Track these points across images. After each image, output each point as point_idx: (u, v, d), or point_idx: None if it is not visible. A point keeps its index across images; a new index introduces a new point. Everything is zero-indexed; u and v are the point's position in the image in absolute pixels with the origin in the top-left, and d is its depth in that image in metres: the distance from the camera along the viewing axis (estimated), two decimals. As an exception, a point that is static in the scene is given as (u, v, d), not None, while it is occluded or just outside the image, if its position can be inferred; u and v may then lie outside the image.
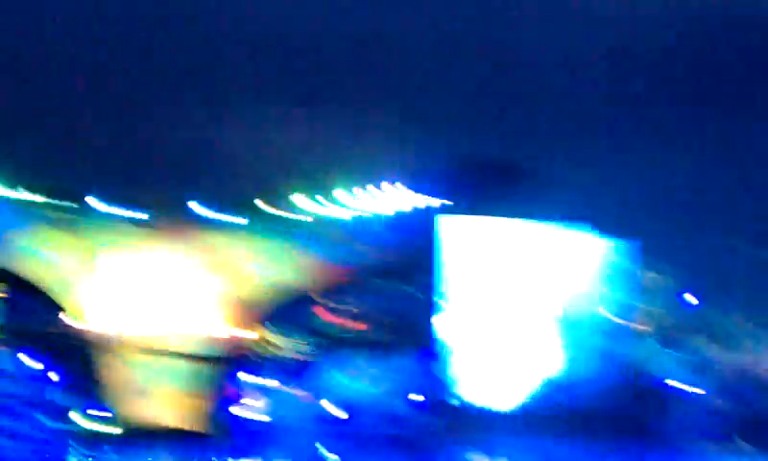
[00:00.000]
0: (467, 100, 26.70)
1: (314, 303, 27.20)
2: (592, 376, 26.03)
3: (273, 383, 25.19)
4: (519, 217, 26.63)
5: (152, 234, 26.01)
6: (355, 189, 26.45)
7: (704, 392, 26.23)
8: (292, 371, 25.37)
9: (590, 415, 25.66)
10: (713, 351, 26.98)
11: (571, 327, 26.44)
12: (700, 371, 26.60)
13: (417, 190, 26.46)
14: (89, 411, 24.08)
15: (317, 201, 26.44)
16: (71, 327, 24.92)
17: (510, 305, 26.37)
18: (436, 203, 26.12)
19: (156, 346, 24.75)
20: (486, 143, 26.60)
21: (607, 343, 26.70)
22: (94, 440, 23.53)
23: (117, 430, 24.04)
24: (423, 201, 26.41)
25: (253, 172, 24.73)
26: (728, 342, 27.11)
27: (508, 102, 27.15)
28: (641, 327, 27.34)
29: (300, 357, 25.63)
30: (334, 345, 26.13)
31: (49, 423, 23.70)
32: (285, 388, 25.18)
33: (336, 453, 24.31)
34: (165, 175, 24.78)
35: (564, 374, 26.24)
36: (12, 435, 23.23)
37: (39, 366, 24.21)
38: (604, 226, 27.04)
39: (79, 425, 23.83)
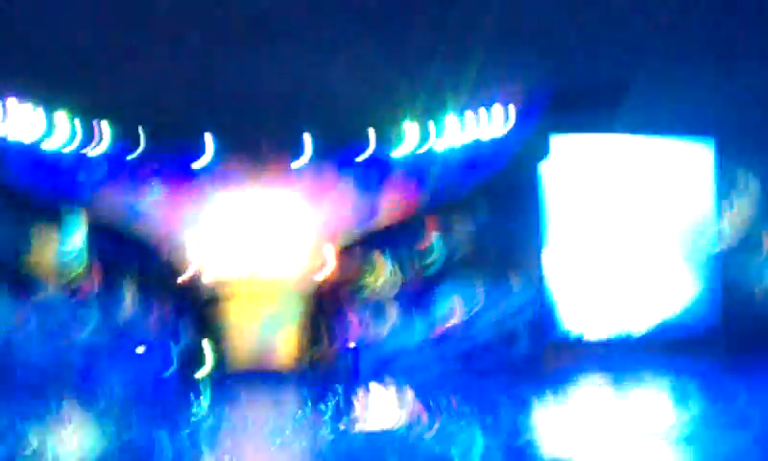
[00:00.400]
0: (568, 20, 25.73)
1: (420, 234, 27.00)
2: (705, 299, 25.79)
3: (379, 317, 25.25)
4: (628, 132, 25.98)
5: (258, 176, 26.16)
6: (463, 116, 25.92)
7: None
8: (396, 303, 25.36)
9: (708, 339, 25.41)
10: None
11: (688, 249, 25.96)
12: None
13: (525, 114, 25.80)
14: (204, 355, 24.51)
15: (425, 131, 26.03)
16: (179, 274, 25.29)
17: (622, 226, 25.80)
18: (543, 125, 25.47)
19: (264, 289, 25.03)
20: (590, 62, 25.84)
21: (721, 264, 26.22)
22: (207, 382, 23.91)
23: (228, 372, 24.45)
24: (532, 124, 25.71)
25: (361, 108, 24.70)
26: None
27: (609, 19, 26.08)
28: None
29: (405, 289, 25.58)
30: (440, 275, 25.95)
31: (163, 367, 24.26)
32: (392, 320, 25.21)
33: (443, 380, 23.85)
34: (272, 115, 24.85)
35: (676, 299, 25.81)
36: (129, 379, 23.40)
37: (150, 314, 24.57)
38: (721, 141, 26.37)
39: (192, 370, 24.31)
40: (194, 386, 23.43)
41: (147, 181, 25.92)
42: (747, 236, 27.43)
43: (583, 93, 25.27)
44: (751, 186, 27.64)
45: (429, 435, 14.54)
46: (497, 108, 25.81)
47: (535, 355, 24.77)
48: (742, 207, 27.55)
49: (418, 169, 26.31)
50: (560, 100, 25.03)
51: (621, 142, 26.21)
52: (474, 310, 25.30)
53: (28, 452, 14.79)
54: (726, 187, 27.50)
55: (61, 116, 24.78)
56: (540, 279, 25.48)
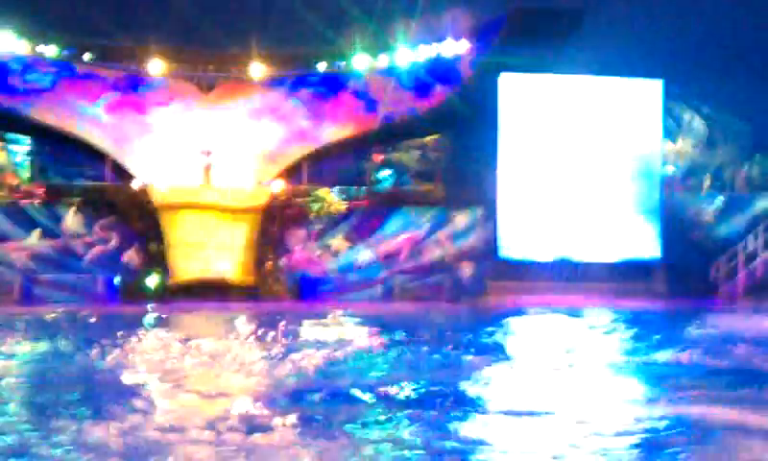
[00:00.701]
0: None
1: (368, 156, 27.43)
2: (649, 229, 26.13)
3: (325, 236, 25.40)
4: (576, 71, 26.21)
5: (208, 91, 26.14)
6: (414, 46, 26.01)
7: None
8: (344, 224, 25.47)
9: (647, 268, 25.98)
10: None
11: (633, 186, 26.16)
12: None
13: (475, 45, 25.93)
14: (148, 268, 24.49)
15: (375, 58, 26.15)
16: (126, 184, 25.15)
17: (567, 160, 26.09)
18: (493, 57, 25.54)
19: (211, 201, 24.91)
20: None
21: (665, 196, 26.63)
22: (154, 295, 23.93)
23: (174, 284, 24.43)
24: (481, 55, 25.88)
25: (313, 31, 24.50)
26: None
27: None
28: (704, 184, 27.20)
29: (355, 209, 25.67)
30: (387, 199, 26.27)
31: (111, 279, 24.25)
32: (338, 241, 25.37)
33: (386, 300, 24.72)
34: (224, 32, 24.56)
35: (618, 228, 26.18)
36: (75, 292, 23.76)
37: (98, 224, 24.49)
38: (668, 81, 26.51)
39: (141, 282, 24.29)
40: (142, 297, 23.51)
41: (96, 89, 25.70)
42: (689, 174, 28.09)
43: (537, 25, 25.41)
44: (695, 126, 28.22)
45: (368, 353, 14.81)
46: (451, 39, 25.99)
47: (478, 278, 25.18)
48: (686, 147, 28.15)
49: (371, 87, 26.41)
50: (513, 26, 25.17)
51: (571, 82, 26.46)
52: (422, 231, 25.59)
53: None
54: (671, 127, 28.04)
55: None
56: (490, 203, 25.76)
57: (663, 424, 9.54)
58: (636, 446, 8.72)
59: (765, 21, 29.54)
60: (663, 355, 14.41)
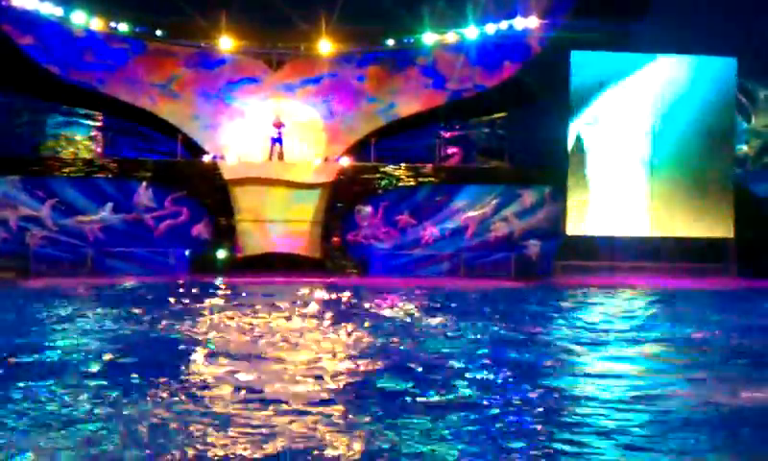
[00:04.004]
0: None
1: (436, 132, 27.45)
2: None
3: (392, 212, 25.42)
4: (648, 49, 25.91)
5: (277, 67, 26.29)
6: (483, 22, 25.86)
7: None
8: (411, 201, 25.47)
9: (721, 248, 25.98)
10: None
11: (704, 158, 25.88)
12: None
13: (546, 21, 25.75)
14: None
15: (444, 34, 26.02)
16: (196, 160, 25.55)
17: (640, 139, 25.90)
18: (563, 33, 25.34)
19: (279, 176, 25.18)
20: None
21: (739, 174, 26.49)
22: (223, 268, 24.36)
23: (242, 258, 24.91)
24: (552, 32, 25.67)
25: (381, 7, 24.59)
26: None
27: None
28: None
29: (420, 187, 25.57)
30: (454, 176, 26.07)
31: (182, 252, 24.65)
32: (405, 217, 25.39)
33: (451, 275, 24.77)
34: (293, 8, 24.77)
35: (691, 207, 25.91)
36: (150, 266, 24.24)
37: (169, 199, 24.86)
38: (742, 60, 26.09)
39: (210, 255, 24.72)
40: (211, 270, 23.84)
41: (168, 65, 26.01)
42: (763, 153, 27.49)
43: (608, 1, 25.06)
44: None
45: (434, 328, 14.86)
46: (524, 4, 25.76)
47: (545, 256, 25.04)
48: (760, 125, 27.53)
49: (439, 63, 26.29)
50: (585, 2, 24.87)
51: (643, 60, 26.02)
52: (489, 208, 25.46)
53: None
54: (746, 105, 27.44)
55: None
56: (559, 180, 25.54)
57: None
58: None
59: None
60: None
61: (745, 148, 27.22)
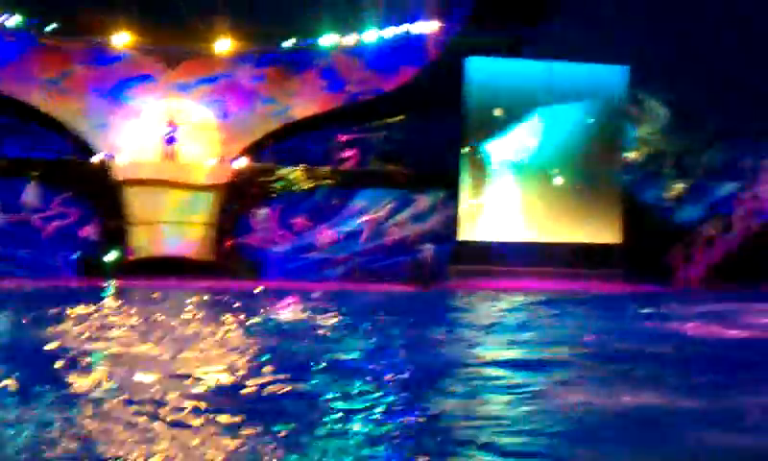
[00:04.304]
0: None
1: (333, 136, 27.22)
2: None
3: (287, 215, 25.27)
4: (544, 56, 26.27)
5: (173, 65, 25.81)
6: (382, 25, 25.93)
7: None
8: (307, 204, 25.36)
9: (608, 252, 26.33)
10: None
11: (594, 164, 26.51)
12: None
13: (444, 26, 25.89)
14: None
15: (342, 37, 25.98)
16: (86, 159, 24.97)
17: (532, 145, 26.33)
18: (461, 39, 25.59)
19: (172, 177, 24.82)
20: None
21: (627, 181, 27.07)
22: (112, 271, 23.58)
23: (133, 261, 24.38)
24: (450, 37, 25.86)
25: (280, 8, 24.36)
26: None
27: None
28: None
29: (316, 190, 25.51)
30: (351, 179, 26.05)
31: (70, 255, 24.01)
32: (300, 220, 25.25)
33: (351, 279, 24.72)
34: (191, 7, 24.32)
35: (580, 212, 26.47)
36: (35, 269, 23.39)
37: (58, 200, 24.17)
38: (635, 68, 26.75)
39: (100, 258, 24.07)
40: (100, 273, 23.34)
41: (60, 61, 25.37)
42: (651, 161, 28.32)
43: (506, 8, 25.48)
44: (658, 113, 28.42)
45: (323, 331, 14.90)
46: (419, 22, 26.00)
47: (440, 260, 25.26)
48: (648, 133, 28.37)
49: (337, 65, 26.30)
50: (483, 9, 25.23)
51: (538, 67, 26.53)
52: (385, 212, 25.59)
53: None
54: (635, 113, 28.24)
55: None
56: (453, 185, 25.84)
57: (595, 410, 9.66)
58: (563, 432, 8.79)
59: (728, 9, 29.77)
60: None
61: (633, 155, 27.98)
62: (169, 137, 25.29)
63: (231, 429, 8.24)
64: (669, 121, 28.18)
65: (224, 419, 8.60)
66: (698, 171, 27.97)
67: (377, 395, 10.02)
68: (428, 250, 25.05)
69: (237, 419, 8.57)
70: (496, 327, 16.43)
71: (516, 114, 26.34)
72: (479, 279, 24.68)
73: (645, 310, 19.24)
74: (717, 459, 8.03)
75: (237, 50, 25.86)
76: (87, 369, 11.10)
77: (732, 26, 27.99)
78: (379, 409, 9.34)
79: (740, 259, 25.21)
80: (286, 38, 26.11)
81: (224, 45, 25.56)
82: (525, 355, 13.09)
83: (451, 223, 25.81)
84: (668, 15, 28.78)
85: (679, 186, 27.07)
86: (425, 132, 26.42)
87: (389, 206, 25.65)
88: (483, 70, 26.21)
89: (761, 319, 18.20)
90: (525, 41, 26.49)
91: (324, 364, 11.69)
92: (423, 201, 25.71)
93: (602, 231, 26.59)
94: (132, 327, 14.79)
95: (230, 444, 7.81)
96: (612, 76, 26.98)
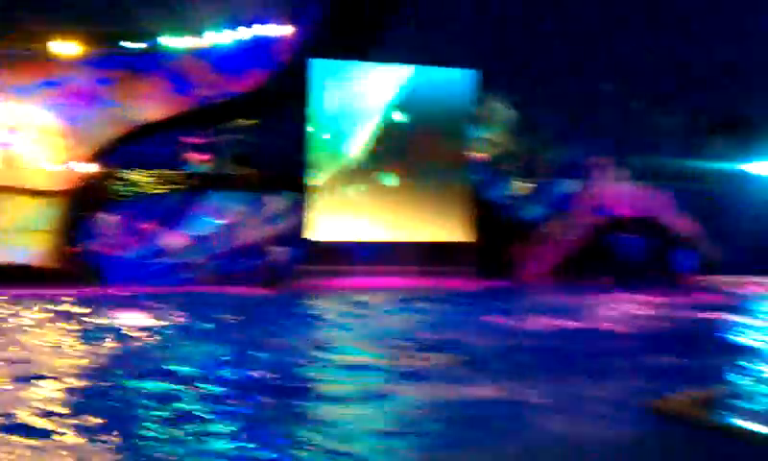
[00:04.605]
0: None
1: (183, 139, 26.72)
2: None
3: (136, 220, 24.71)
4: (394, 60, 26.64)
5: (9, 68, 24.66)
6: (231, 28, 25.71)
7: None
8: (151, 207, 24.84)
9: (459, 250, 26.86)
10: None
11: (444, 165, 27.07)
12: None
13: (292, 29, 25.94)
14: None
15: (191, 39, 25.63)
16: None
17: (383, 146, 26.67)
18: (308, 44, 25.79)
19: (13, 183, 23.95)
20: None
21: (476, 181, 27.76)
22: None
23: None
24: (298, 40, 25.91)
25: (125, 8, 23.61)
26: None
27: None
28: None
29: (167, 194, 25.07)
30: (202, 183, 25.72)
31: None
32: (151, 225, 24.72)
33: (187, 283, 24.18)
34: (26, 6, 23.27)
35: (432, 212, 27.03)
36: None
37: None
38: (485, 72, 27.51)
39: None
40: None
41: None
42: (498, 161, 29.15)
43: (354, 12, 25.75)
44: (505, 115, 29.29)
45: (168, 336, 14.71)
46: (264, 24, 25.96)
47: (291, 262, 25.27)
48: (495, 134, 29.19)
49: (186, 68, 25.95)
50: (331, 12, 25.44)
51: (388, 70, 26.91)
52: (236, 215, 25.42)
53: None
54: (483, 115, 29.01)
55: None
56: (301, 187, 25.90)
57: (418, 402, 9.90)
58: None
59: (570, 15, 30.97)
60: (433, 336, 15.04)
61: (481, 156, 28.72)
62: (7, 142, 24.30)
63: (57, 434, 8.07)
64: (514, 123, 29.10)
65: (50, 425, 8.41)
66: (541, 171, 29.00)
67: (208, 396, 10.00)
68: (279, 252, 25.03)
69: (69, 423, 8.38)
70: (341, 327, 16.55)
71: (366, 117, 26.62)
72: (331, 279, 24.82)
73: (492, 305, 19.79)
74: (556, 448, 8.30)
75: (80, 52, 25.15)
76: None
77: (565, 33, 29.23)
78: (211, 413, 9.30)
79: (581, 255, 26.23)
80: (133, 40, 25.59)
81: (64, 47, 24.80)
82: (369, 354, 13.24)
83: (302, 224, 25.87)
84: (514, 22, 29.77)
85: (524, 186, 27.96)
86: (276, 134, 26.39)
87: (240, 209, 25.50)
88: (332, 73, 26.40)
89: (598, 310, 19.04)
90: (374, 45, 26.79)
91: (156, 367, 11.55)
92: (274, 203, 25.69)
93: (454, 230, 27.19)
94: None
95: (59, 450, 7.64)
96: (460, 79, 27.59)
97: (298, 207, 25.89)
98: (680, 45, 30.01)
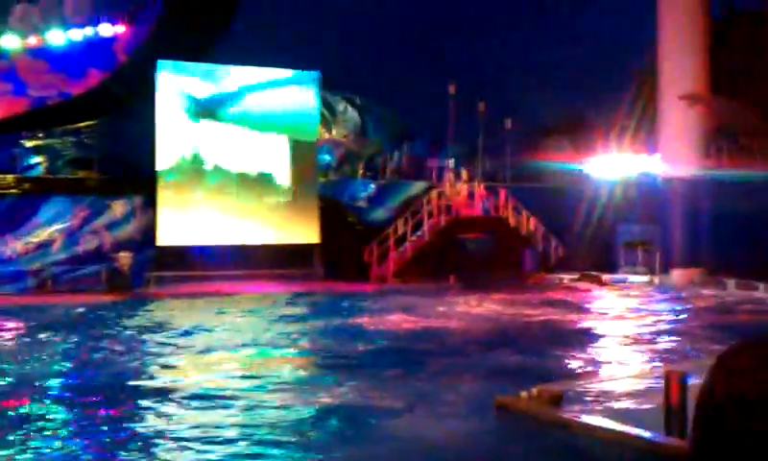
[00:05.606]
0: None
1: (18, 141, 25.53)
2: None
3: None
4: (238, 60, 26.09)
5: None
6: (68, 27, 24.69)
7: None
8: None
9: (308, 253, 26.55)
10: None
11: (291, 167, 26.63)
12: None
13: (132, 28, 25.22)
14: None
15: (24, 38, 24.44)
16: None
17: (229, 148, 26.05)
18: (151, 44, 25.03)
19: None
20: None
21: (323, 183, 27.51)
22: None
23: None
24: (138, 40, 25.25)
25: None
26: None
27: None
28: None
29: (1, 200, 23.66)
30: (39, 187, 24.40)
31: None
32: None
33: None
34: None
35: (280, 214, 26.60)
36: None
37: None
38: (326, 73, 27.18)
39: None
40: None
41: None
42: (344, 162, 29.29)
43: (194, 11, 25.34)
44: (349, 116, 29.47)
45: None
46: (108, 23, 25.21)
47: (138, 268, 24.57)
48: (340, 135, 29.33)
49: (20, 68, 24.85)
50: (171, 11, 24.90)
51: (232, 71, 26.53)
52: (77, 221, 24.48)
53: None
54: (327, 116, 29.07)
55: None
56: (149, 191, 25.23)
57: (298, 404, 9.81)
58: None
59: (415, 14, 31.49)
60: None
61: (327, 157, 28.75)
62: None
63: None
64: (359, 124, 29.30)
65: None
66: (388, 172, 29.29)
67: (38, 413, 9.60)
68: (125, 257, 24.27)
69: None
70: (186, 334, 16.21)
71: (213, 117, 26.17)
72: (180, 284, 24.27)
73: (339, 307, 19.82)
74: (415, 448, 8.35)
75: None
76: None
77: (409, 34, 29.77)
78: (43, 431, 8.92)
79: (429, 256, 26.59)
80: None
81: None
82: (214, 362, 13.02)
83: (149, 229, 25.18)
84: (356, 24, 30.04)
85: (370, 187, 28.14)
86: (119, 136, 25.65)
87: (82, 214, 24.57)
88: (179, 74, 25.80)
89: (446, 310, 19.36)
90: (217, 45, 26.41)
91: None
92: (119, 207, 24.90)
93: (303, 233, 27.06)
94: None
95: None
96: (304, 80, 27.49)
97: (145, 211, 25.15)
98: (519, 46, 31.04)
